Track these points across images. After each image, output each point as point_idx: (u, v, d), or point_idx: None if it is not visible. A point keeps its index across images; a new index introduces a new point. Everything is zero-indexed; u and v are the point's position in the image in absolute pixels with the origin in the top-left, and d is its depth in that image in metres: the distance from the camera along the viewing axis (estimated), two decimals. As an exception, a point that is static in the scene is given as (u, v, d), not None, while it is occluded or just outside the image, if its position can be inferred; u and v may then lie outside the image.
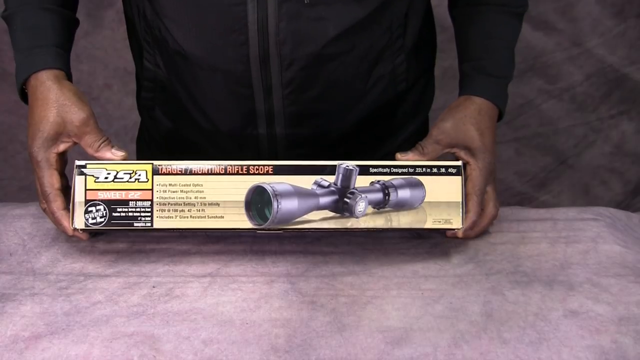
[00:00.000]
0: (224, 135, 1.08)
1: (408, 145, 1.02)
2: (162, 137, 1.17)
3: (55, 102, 0.96)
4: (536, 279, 0.94)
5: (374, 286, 0.93)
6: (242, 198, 0.91)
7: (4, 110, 2.09)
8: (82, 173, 0.91)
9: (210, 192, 0.91)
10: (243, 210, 0.91)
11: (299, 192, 0.91)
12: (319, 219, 0.92)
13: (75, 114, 0.96)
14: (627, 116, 2.13)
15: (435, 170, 0.93)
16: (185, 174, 0.91)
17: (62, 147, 0.96)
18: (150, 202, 0.91)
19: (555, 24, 2.03)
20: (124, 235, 1.02)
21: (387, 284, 0.93)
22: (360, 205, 0.92)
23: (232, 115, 1.06)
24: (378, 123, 1.12)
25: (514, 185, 2.17)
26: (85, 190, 0.91)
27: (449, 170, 0.93)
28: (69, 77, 1.01)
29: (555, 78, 2.08)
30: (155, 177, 0.91)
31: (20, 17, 1.01)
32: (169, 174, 0.91)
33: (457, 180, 0.93)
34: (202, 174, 0.91)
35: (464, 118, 1.01)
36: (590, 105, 2.11)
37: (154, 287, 0.92)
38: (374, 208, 0.93)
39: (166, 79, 1.08)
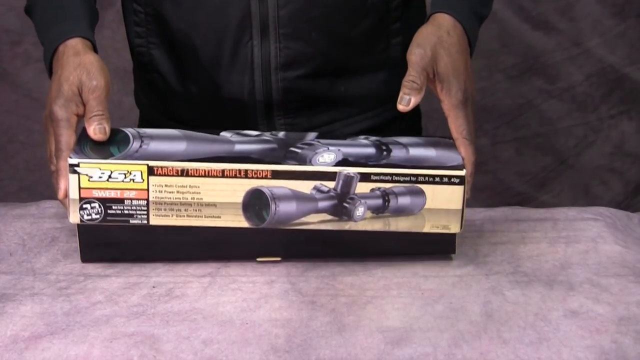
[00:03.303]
0: (216, 53, 1.08)
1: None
2: (158, 91, 1.16)
3: (78, 65, 0.96)
4: (536, 279, 0.94)
5: (374, 286, 0.93)
6: (240, 200, 0.90)
7: (4, 110, 2.08)
8: (75, 172, 0.90)
9: (207, 194, 0.90)
10: (240, 212, 0.91)
11: (297, 195, 0.90)
12: (317, 222, 0.92)
13: (91, 80, 0.95)
14: (627, 116, 2.13)
15: (437, 179, 0.92)
16: (182, 175, 0.90)
17: (81, 109, 0.95)
18: (146, 201, 0.90)
19: (555, 24, 2.03)
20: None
21: (387, 284, 0.93)
22: (360, 210, 0.92)
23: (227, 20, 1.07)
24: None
25: (514, 185, 2.17)
26: (79, 188, 0.90)
27: (452, 180, 0.92)
28: (96, 51, 1.01)
29: (555, 78, 2.08)
30: (150, 177, 0.90)
31: (44, 1, 1.03)
32: (164, 175, 0.90)
33: (459, 189, 0.92)
34: (199, 175, 0.90)
35: (438, 42, 0.98)
36: (590, 105, 2.11)
37: (154, 287, 0.92)
38: (372, 213, 0.92)
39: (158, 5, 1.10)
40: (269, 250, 0.96)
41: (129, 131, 0.95)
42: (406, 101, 0.95)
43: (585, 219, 1.07)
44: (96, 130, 0.93)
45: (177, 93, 1.14)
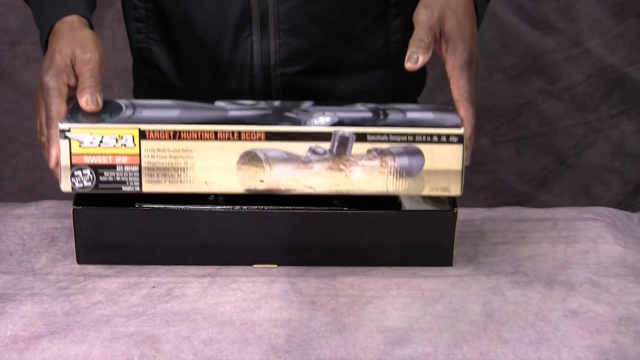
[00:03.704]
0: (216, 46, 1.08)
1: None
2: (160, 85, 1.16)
3: (72, 38, 0.95)
4: (536, 279, 0.94)
5: (374, 286, 0.93)
6: (234, 164, 0.89)
7: (4, 110, 2.08)
8: (66, 137, 0.88)
9: (200, 158, 0.88)
10: (234, 176, 0.89)
11: (291, 158, 0.88)
12: (314, 185, 0.89)
13: (85, 53, 0.94)
14: (627, 116, 2.13)
15: (436, 138, 0.89)
16: (174, 139, 0.88)
17: (72, 80, 0.94)
18: (138, 167, 0.88)
19: (555, 24, 2.03)
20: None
21: (387, 284, 0.93)
22: (356, 172, 0.89)
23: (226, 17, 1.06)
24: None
25: (514, 185, 2.17)
26: (70, 154, 0.88)
27: (451, 138, 0.89)
28: (92, 29, 1.00)
29: (555, 78, 2.08)
30: (142, 142, 0.88)
31: None
32: (156, 139, 0.88)
33: (459, 149, 0.89)
34: (192, 139, 0.88)
35: (445, 4, 0.97)
36: (590, 105, 2.11)
37: (154, 287, 0.92)
38: (371, 175, 0.90)
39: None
40: (267, 256, 0.96)
41: (122, 101, 0.94)
42: (414, 60, 0.93)
43: (585, 219, 1.07)
44: (88, 101, 0.91)
45: (177, 89, 1.14)
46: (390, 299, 0.90)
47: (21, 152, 2.14)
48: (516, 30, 2.02)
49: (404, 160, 0.89)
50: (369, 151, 0.89)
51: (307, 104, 0.96)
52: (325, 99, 1.13)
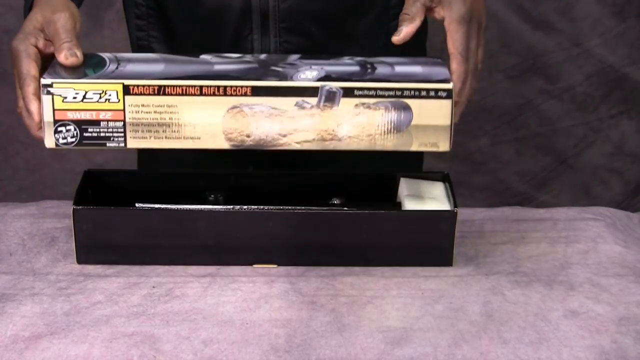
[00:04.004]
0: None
1: None
2: None
3: (45, 4, 0.93)
4: (536, 279, 0.94)
5: (374, 286, 0.93)
6: (219, 119, 0.87)
7: (4, 110, 2.08)
8: (49, 93, 0.86)
9: (185, 114, 0.86)
10: (220, 132, 0.87)
11: (278, 113, 0.86)
12: (300, 141, 0.88)
13: (55, 13, 0.92)
14: (627, 116, 2.13)
15: (424, 93, 0.87)
16: (159, 94, 0.86)
17: (41, 43, 0.91)
18: (122, 123, 0.87)
19: (555, 24, 2.03)
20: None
21: (387, 284, 0.93)
22: (344, 128, 0.87)
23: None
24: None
25: (514, 185, 2.17)
26: (54, 110, 0.86)
27: (439, 93, 0.87)
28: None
29: (555, 78, 2.08)
30: (126, 97, 0.86)
31: None
32: (140, 94, 0.86)
33: (447, 103, 0.87)
34: (177, 94, 0.86)
35: None
36: (590, 105, 2.11)
37: (154, 287, 0.92)
38: (358, 131, 0.88)
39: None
40: (267, 256, 0.96)
41: (105, 55, 0.92)
42: (398, 32, 0.92)
43: (585, 219, 1.07)
44: (67, 55, 0.89)
45: None
46: (390, 299, 0.90)
47: (21, 152, 2.14)
48: (516, 30, 2.02)
49: (391, 116, 0.87)
50: (357, 106, 0.87)
51: (293, 57, 0.94)
52: None
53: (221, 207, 0.96)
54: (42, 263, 0.97)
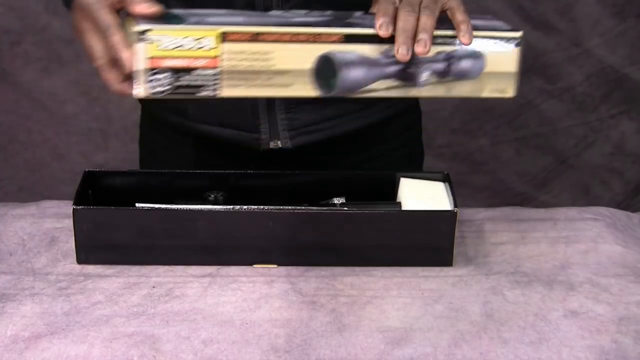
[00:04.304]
0: None
1: None
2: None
3: None
4: (536, 279, 0.94)
5: (374, 286, 0.93)
6: (308, 67, 0.87)
7: (4, 110, 2.09)
8: (142, 40, 0.83)
9: (278, 61, 0.86)
10: (310, 80, 0.87)
11: (365, 61, 0.88)
12: (384, 88, 0.89)
13: None
14: (627, 116, 2.13)
15: (497, 41, 0.90)
16: (254, 41, 0.85)
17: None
18: (216, 70, 0.85)
19: (555, 24, 2.03)
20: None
21: (387, 284, 0.93)
22: (424, 75, 0.89)
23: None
24: None
25: (514, 185, 2.17)
26: (148, 57, 0.84)
27: (510, 41, 0.90)
28: None
29: (555, 78, 2.08)
30: (223, 44, 0.84)
31: None
32: (237, 41, 0.85)
33: (516, 51, 0.90)
34: (271, 41, 0.85)
35: None
36: (590, 105, 2.11)
37: (154, 287, 0.92)
38: (437, 78, 0.90)
39: None
40: (267, 256, 0.96)
41: (178, 11, 0.90)
42: (466, 32, 0.90)
43: (585, 219, 1.07)
44: (149, 5, 0.86)
45: None
46: (390, 299, 0.90)
47: (21, 152, 2.14)
48: (516, 30, 2.02)
49: (467, 63, 0.90)
50: (438, 53, 0.89)
51: (358, 14, 0.94)
52: (327, 99, 1.13)
53: (221, 207, 0.96)
54: (42, 263, 0.97)
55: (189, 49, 0.84)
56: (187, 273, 0.94)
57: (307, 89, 0.88)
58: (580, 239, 1.03)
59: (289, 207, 0.95)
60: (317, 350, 0.82)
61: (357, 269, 0.96)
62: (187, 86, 0.86)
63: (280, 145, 1.09)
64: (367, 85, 0.88)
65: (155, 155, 1.22)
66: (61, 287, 0.92)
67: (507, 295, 0.91)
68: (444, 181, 1.03)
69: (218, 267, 0.95)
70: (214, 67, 0.85)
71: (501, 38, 0.90)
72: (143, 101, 1.21)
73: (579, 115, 2.12)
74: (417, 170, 1.16)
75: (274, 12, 0.93)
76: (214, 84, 0.86)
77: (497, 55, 0.90)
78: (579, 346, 0.83)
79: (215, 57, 0.85)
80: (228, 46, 0.85)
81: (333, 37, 0.86)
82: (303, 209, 0.95)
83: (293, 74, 0.87)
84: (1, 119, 2.10)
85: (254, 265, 0.96)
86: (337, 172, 1.09)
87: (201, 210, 0.95)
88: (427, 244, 0.96)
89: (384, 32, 0.92)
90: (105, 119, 2.12)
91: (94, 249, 0.95)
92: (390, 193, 1.03)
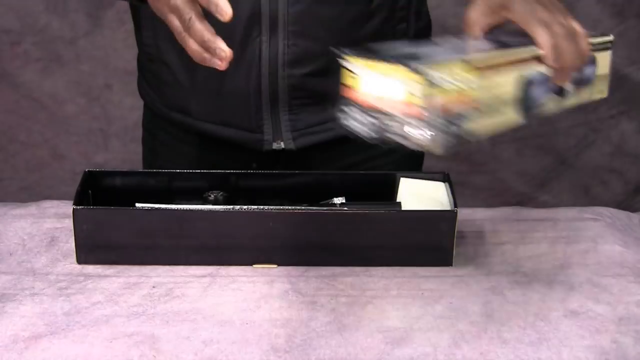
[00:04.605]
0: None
1: None
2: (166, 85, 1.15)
3: None
4: (536, 279, 0.94)
5: (374, 286, 0.93)
6: (514, 94, 0.86)
7: (4, 110, 2.09)
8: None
9: (488, 91, 0.84)
10: (513, 107, 0.89)
11: (544, 78, 0.88)
12: (544, 103, 0.92)
13: None
14: (627, 116, 2.13)
15: (600, 47, 0.92)
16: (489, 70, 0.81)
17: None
18: (472, 107, 0.82)
19: (555, 24, 2.03)
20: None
21: (387, 284, 0.93)
22: (569, 86, 0.91)
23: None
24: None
25: (514, 185, 2.17)
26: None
27: (606, 45, 0.93)
28: None
29: (555, 78, 2.08)
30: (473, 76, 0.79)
31: None
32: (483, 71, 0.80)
33: (608, 55, 0.93)
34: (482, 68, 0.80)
35: None
36: (590, 105, 2.10)
37: (154, 287, 0.92)
38: (574, 87, 0.91)
39: None
40: (267, 256, 0.96)
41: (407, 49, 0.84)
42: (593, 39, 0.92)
43: (585, 219, 1.07)
44: (207, 26, 0.85)
45: (182, 85, 1.14)
46: (390, 299, 0.90)
47: (21, 152, 2.14)
48: (516, 30, 2.02)
49: (590, 69, 0.92)
50: None
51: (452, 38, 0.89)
52: (332, 102, 1.13)
53: (221, 207, 0.96)
54: (42, 263, 0.97)
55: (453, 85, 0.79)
56: (187, 273, 0.94)
57: (514, 117, 0.90)
58: (580, 239, 1.03)
59: (289, 207, 0.95)
60: (317, 350, 0.82)
61: (357, 269, 0.96)
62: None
63: (283, 146, 1.09)
64: (540, 101, 0.90)
65: (158, 154, 1.22)
66: (61, 287, 0.92)
67: (507, 295, 0.91)
68: (444, 181, 1.03)
69: (218, 267, 0.95)
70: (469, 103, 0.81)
71: (600, 42, 0.93)
72: (144, 96, 1.21)
73: (579, 115, 2.12)
74: (417, 170, 1.16)
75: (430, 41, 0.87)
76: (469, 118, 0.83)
77: (600, 59, 0.93)
78: (579, 346, 0.83)
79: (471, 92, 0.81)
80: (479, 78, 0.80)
81: (530, 59, 0.86)
82: (303, 209, 0.95)
83: (500, 104, 0.87)
84: (1, 119, 2.10)
85: (254, 265, 0.96)
86: (337, 172, 1.09)
87: (201, 210, 0.95)
88: (427, 243, 0.96)
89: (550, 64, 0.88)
90: (105, 119, 2.12)
91: (94, 249, 0.95)
92: (390, 193, 1.03)
